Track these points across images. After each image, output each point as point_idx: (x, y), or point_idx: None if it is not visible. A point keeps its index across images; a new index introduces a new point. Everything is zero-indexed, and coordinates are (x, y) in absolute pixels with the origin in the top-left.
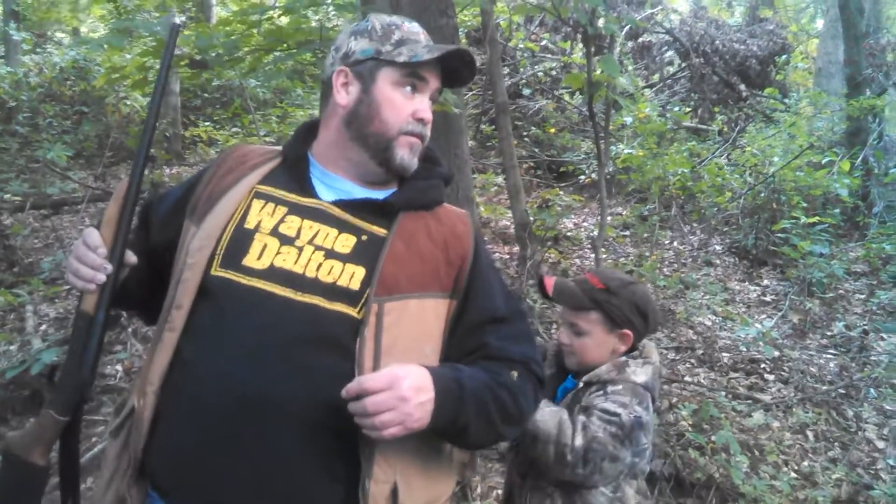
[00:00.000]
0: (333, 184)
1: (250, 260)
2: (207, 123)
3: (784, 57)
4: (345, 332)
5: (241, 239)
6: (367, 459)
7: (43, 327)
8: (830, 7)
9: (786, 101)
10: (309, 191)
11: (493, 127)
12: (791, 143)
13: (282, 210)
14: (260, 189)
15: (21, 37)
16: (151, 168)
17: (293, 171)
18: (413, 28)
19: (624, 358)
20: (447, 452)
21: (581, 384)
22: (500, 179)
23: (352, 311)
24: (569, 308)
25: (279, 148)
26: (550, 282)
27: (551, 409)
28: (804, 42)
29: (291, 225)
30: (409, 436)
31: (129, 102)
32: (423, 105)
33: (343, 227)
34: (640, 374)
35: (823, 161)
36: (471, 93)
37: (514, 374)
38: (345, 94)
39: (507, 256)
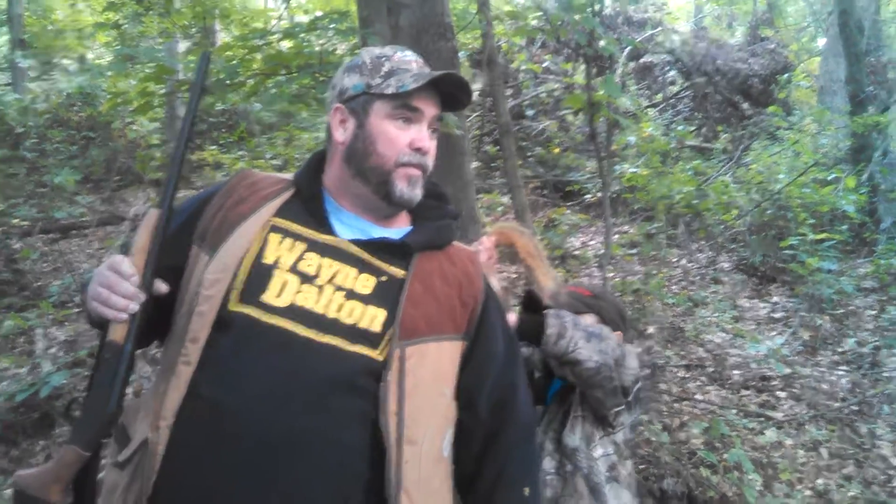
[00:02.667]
0: (348, 220)
1: (270, 297)
2: (213, 147)
3: (786, 75)
4: (365, 375)
5: (261, 274)
6: (393, 502)
7: (52, 350)
8: (831, 26)
9: (789, 118)
10: (326, 227)
11: (498, 148)
12: (796, 161)
13: (301, 246)
14: (276, 223)
15: (28, 64)
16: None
17: (309, 205)
18: (405, 57)
19: None
20: None
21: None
22: (505, 199)
23: (372, 353)
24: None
25: (288, 177)
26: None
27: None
28: (806, 60)
29: (311, 262)
30: (432, 475)
31: (135, 128)
32: (419, 135)
33: (362, 266)
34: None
35: (829, 178)
36: (474, 114)
37: (526, 490)
38: (342, 132)
39: (515, 276)
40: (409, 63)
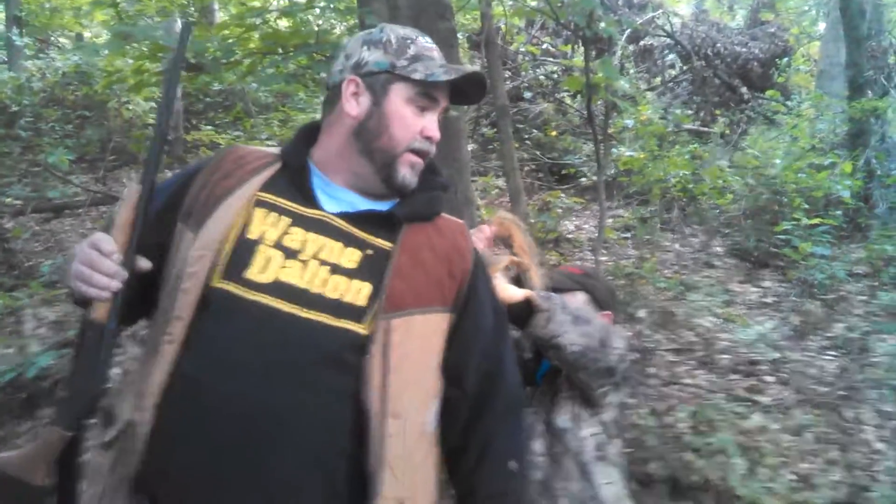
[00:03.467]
0: (336, 194)
1: (254, 273)
2: (209, 127)
3: (786, 59)
4: (351, 350)
5: (244, 250)
6: (377, 478)
7: (41, 330)
8: (832, 10)
9: (788, 103)
10: (312, 201)
11: (494, 130)
12: (793, 146)
13: (285, 221)
14: (261, 197)
15: (24, 42)
16: None
17: (295, 179)
18: (427, 44)
19: None
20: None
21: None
22: (500, 182)
23: (358, 328)
24: (558, 292)
25: (276, 150)
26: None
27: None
28: (806, 45)
29: (295, 237)
30: (415, 449)
31: (131, 107)
32: (432, 123)
33: (348, 240)
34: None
35: (825, 163)
36: None
37: (512, 464)
38: (355, 105)
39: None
40: (431, 51)
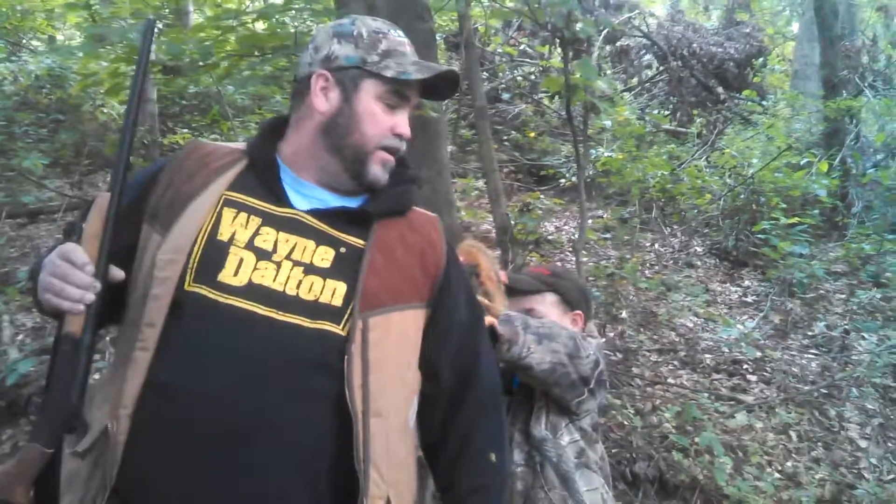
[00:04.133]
0: (306, 191)
1: (226, 276)
2: (186, 130)
3: (761, 60)
4: (330, 351)
5: (215, 252)
6: (363, 478)
7: (20, 337)
8: (806, 10)
9: (763, 103)
10: (282, 199)
11: (473, 131)
12: (769, 145)
13: (255, 221)
14: (230, 196)
15: None
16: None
17: (263, 176)
18: (399, 37)
19: None
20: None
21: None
22: (480, 183)
23: (336, 329)
24: (525, 293)
25: (241, 146)
26: (503, 273)
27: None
28: (780, 45)
29: (267, 238)
30: (399, 447)
31: (106, 110)
32: (403, 121)
33: (320, 238)
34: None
35: (802, 162)
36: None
37: (492, 456)
38: (324, 100)
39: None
40: (403, 45)
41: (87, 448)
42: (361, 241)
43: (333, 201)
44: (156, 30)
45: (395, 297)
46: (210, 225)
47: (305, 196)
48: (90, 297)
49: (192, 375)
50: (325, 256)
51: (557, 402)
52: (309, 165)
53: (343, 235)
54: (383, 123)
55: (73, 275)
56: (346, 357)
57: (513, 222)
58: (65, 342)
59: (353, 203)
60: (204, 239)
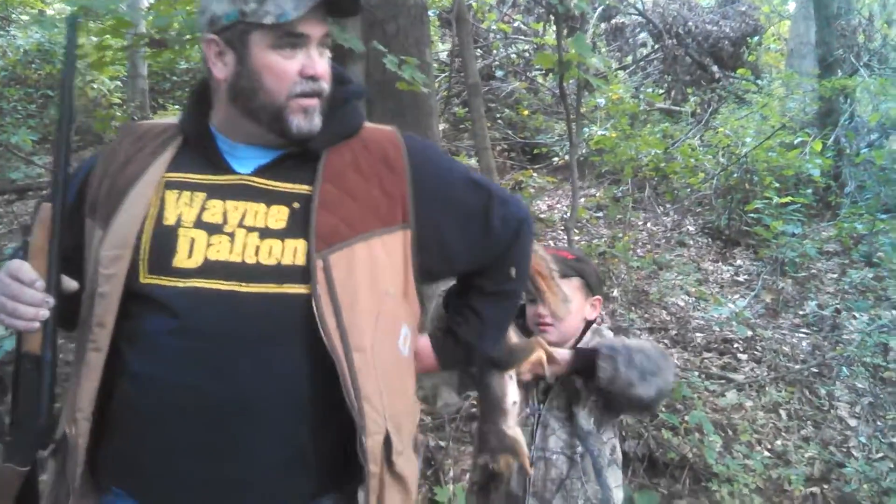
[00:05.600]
0: (244, 154)
1: (181, 260)
2: (177, 107)
3: (756, 38)
4: (302, 313)
5: (164, 238)
6: (359, 415)
7: None
8: None
9: (758, 82)
10: (223, 166)
11: (466, 109)
12: (763, 124)
13: (200, 196)
14: (170, 177)
15: None
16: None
17: (200, 150)
18: None
19: (595, 325)
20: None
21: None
22: (473, 161)
23: (304, 289)
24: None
25: (174, 121)
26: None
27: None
28: (776, 23)
29: (215, 210)
30: (392, 377)
31: (95, 86)
32: (309, 60)
33: (271, 198)
34: (610, 334)
35: (795, 141)
36: (443, 75)
37: (512, 270)
38: (221, 66)
39: None
40: None
41: (51, 452)
42: (312, 188)
43: (274, 154)
44: (147, 2)
45: (355, 228)
46: (154, 211)
47: (244, 159)
48: (44, 313)
49: (163, 363)
50: (278, 217)
51: (612, 405)
52: (238, 131)
53: (294, 187)
54: (287, 72)
55: (24, 293)
56: (313, 301)
57: None
58: (26, 361)
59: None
60: (150, 227)
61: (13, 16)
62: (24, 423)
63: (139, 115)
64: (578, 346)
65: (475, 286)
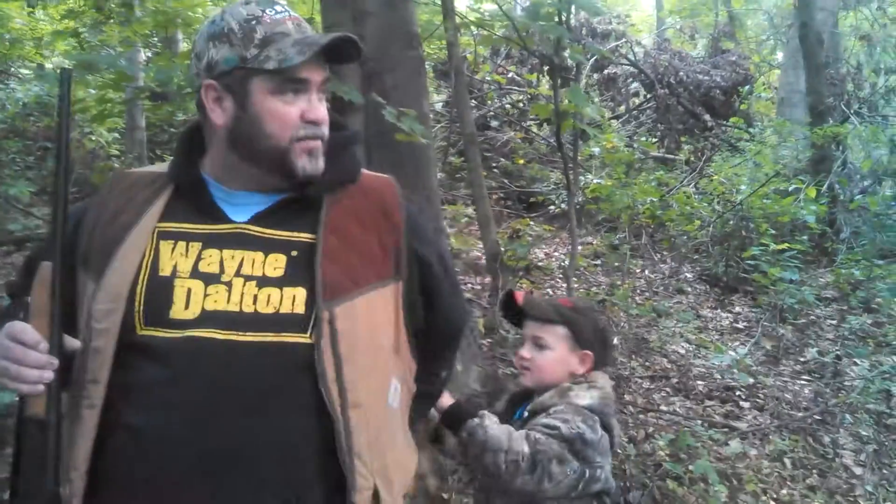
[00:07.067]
0: (240, 201)
1: (178, 311)
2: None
3: (747, 87)
4: (301, 362)
5: (160, 290)
6: (349, 472)
7: None
8: (790, 38)
9: (750, 130)
10: (218, 215)
11: (462, 158)
12: (757, 172)
13: (196, 246)
14: (163, 228)
15: None
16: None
17: (193, 198)
18: (275, 16)
19: (567, 384)
20: (410, 433)
21: (527, 414)
22: (470, 210)
23: (303, 338)
24: (537, 321)
25: (164, 169)
26: (520, 294)
27: (499, 424)
28: (766, 73)
29: (211, 260)
30: (381, 430)
31: (93, 137)
32: (311, 104)
33: (268, 246)
34: (583, 397)
35: (790, 189)
36: (439, 125)
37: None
38: (220, 112)
39: (479, 287)
40: (283, 24)
41: None
42: (312, 236)
43: (272, 200)
44: (144, 57)
45: (358, 282)
46: (149, 264)
47: (241, 206)
48: (48, 375)
49: (158, 414)
50: (276, 265)
51: None
52: (235, 177)
53: (293, 234)
54: (288, 117)
55: (28, 356)
56: (315, 352)
57: (503, 249)
58: (30, 425)
59: (294, 191)
60: (145, 279)
61: (12, 69)
62: (32, 491)
63: (137, 167)
64: (532, 405)
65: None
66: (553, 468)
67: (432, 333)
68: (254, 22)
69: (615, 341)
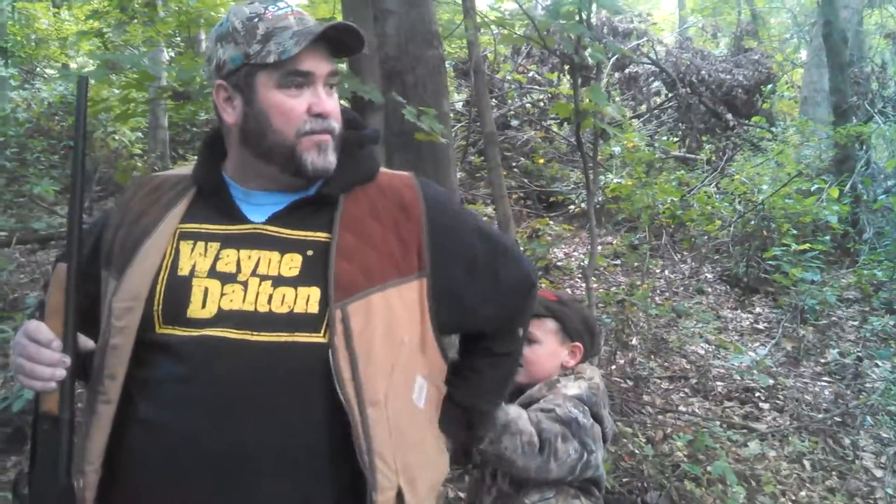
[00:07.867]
0: (258, 201)
1: (195, 310)
2: (196, 157)
3: (770, 86)
4: (315, 362)
5: (178, 289)
6: (370, 471)
7: None
8: (814, 37)
9: (773, 129)
10: (237, 216)
11: (482, 158)
12: (779, 171)
13: (214, 246)
14: (184, 229)
15: (10, 73)
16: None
17: (214, 199)
18: (278, 12)
19: (555, 377)
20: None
21: None
22: (489, 210)
23: (316, 338)
24: None
25: (188, 172)
26: None
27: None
28: (789, 71)
29: (229, 260)
30: (407, 430)
31: (117, 137)
32: (316, 98)
33: (284, 246)
34: (570, 387)
35: (812, 188)
36: (459, 124)
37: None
38: (231, 111)
39: None
40: (285, 19)
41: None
42: (327, 234)
43: (290, 199)
44: (167, 57)
45: (373, 279)
46: (169, 263)
47: (259, 206)
48: (61, 373)
49: (172, 411)
50: (292, 265)
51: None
52: (251, 176)
53: (309, 234)
54: (294, 110)
55: (41, 354)
56: (329, 350)
57: (522, 248)
58: (44, 422)
59: (310, 190)
60: (164, 279)
61: (38, 69)
62: (43, 487)
63: (160, 166)
64: (521, 399)
65: (483, 348)
66: (558, 445)
67: (501, 294)
68: (256, 19)
69: (634, 341)
